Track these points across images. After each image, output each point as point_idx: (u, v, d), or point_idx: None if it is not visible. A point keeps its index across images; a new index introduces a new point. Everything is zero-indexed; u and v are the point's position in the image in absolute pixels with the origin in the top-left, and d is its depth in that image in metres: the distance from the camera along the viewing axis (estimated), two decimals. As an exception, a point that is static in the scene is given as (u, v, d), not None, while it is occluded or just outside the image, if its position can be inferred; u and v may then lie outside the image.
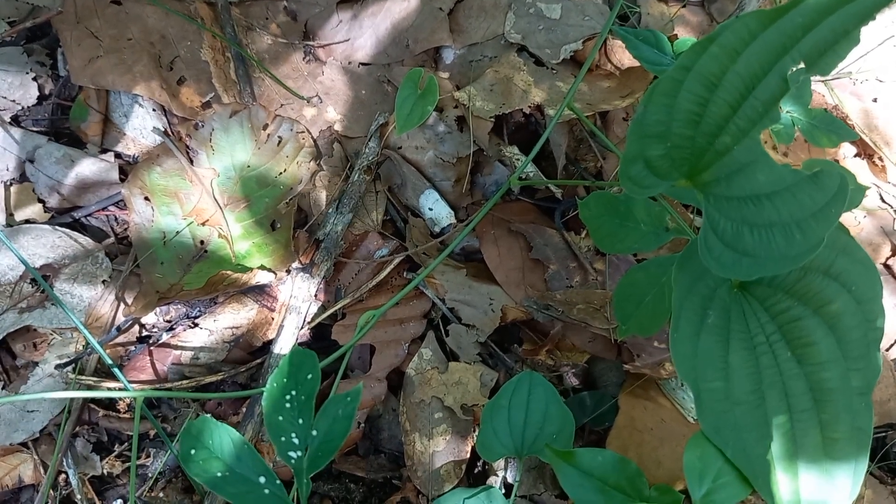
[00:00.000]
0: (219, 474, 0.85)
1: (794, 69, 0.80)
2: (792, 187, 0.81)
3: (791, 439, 0.91)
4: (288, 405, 0.87)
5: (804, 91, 1.19)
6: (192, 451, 0.86)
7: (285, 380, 0.88)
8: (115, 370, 1.16)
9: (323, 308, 1.30)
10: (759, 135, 0.84)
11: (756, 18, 0.79)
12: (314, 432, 0.86)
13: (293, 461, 0.85)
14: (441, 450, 1.20)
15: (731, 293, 0.93)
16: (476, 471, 1.24)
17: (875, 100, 1.52)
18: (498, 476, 1.19)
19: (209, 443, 0.86)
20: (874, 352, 0.90)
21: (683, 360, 0.90)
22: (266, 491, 0.84)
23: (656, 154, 0.85)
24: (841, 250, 0.91)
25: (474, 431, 1.22)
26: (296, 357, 0.89)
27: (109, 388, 1.22)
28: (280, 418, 0.87)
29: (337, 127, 1.40)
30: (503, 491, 1.16)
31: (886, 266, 1.42)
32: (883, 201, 1.46)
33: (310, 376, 0.88)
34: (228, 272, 1.22)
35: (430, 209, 1.35)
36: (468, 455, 1.21)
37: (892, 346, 1.37)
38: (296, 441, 0.86)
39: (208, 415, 1.24)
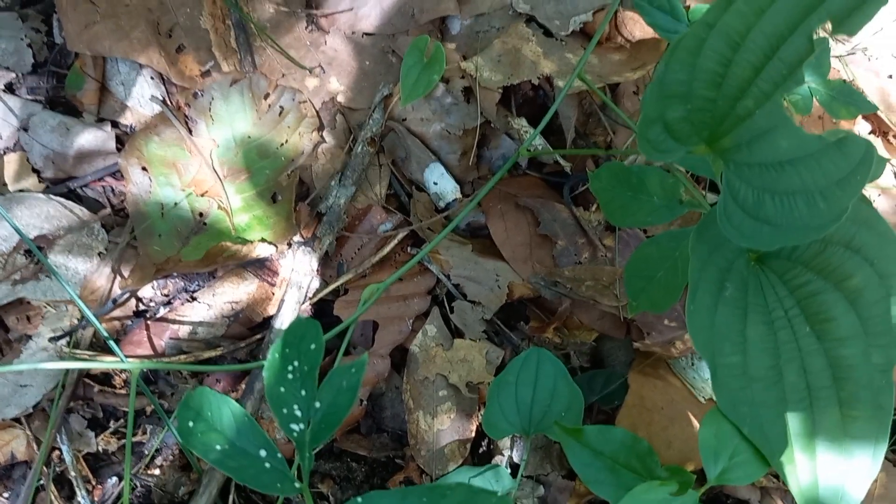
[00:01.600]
0: (218, 447, 0.82)
1: (820, 31, 0.77)
2: (816, 154, 0.78)
3: (809, 417, 0.88)
4: (290, 376, 0.84)
5: (823, 60, 1.16)
6: (191, 424, 0.83)
7: (287, 350, 0.85)
8: (111, 342, 1.13)
9: (325, 283, 1.27)
10: (781, 98, 0.81)
11: (784, -27, 0.75)
12: (317, 404, 0.83)
13: (295, 434, 0.82)
14: (445, 428, 1.17)
15: (749, 266, 0.90)
16: (481, 450, 1.21)
17: (890, 76, 1.48)
18: (504, 455, 1.16)
19: (208, 415, 0.83)
20: (896, 327, 0.87)
21: (700, 332, 0.86)
22: (267, 465, 0.81)
23: (676, 116, 0.82)
24: (863, 223, 0.88)
25: (479, 410, 1.19)
26: (298, 327, 0.85)
27: (105, 362, 1.18)
28: (282, 390, 0.83)
29: (340, 98, 1.36)
30: (509, 471, 1.13)
31: (902, 246, 1.38)
32: (898, 180, 1.43)
33: (313, 346, 0.84)
34: (228, 244, 1.19)
35: (435, 183, 1.32)
36: (473, 434, 1.18)
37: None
38: (298, 413, 0.82)
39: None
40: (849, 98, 1.13)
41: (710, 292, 0.88)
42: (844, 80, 1.23)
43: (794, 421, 0.88)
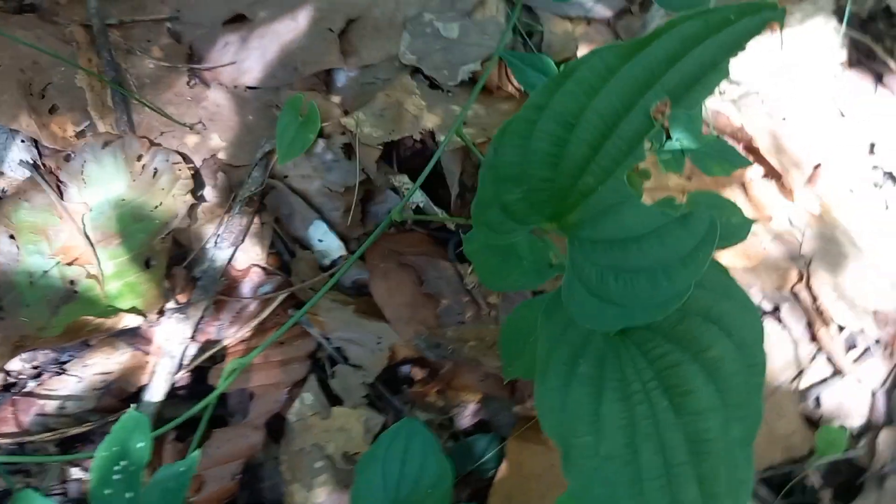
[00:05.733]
0: (40, 554, 0.78)
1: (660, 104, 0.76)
2: (659, 230, 0.77)
3: (667, 494, 0.86)
4: (117, 476, 0.80)
5: (694, 118, 1.14)
6: (15, 529, 0.79)
7: (115, 448, 0.81)
8: (-36, 427, 1.08)
9: (202, 349, 1.23)
10: (624, 174, 0.80)
11: (614, 52, 0.73)
12: (144, 506, 0.79)
13: (119, 540, 0.78)
14: (322, 501, 1.13)
15: (607, 337, 0.88)
16: (362, 521, 1.17)
17: (784, 118, 1.48)
18: (381, 528, 1.12)
19: (31, 520, 0.79)
20: (756, 399, 0.85)
21: (549, 414, 0.83)
22: (90, 573, 0.77)
23: (513, 198, 0.80)
24: (721, 294, 0.86)
25: (358, 480, 1.16)
26: (127, 423, 0.82)
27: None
28: (107, 492, 0.79)
29: (221, 155, 1.32)
30: (385, 544, 1.09)
31: (793, 292, 1.38)
32: (791, 224, 1.42)
33: (141, 444, 0.80)
34: (90, 318, 1.14)
35: (320, 241, 1.29)
36: (352, 506, 1.14)
37: (797, 376, 1.33)
38: (123, 518, 0.79)
39: (75, 468, 1.17)
40: (721, 154, 1.12)
41: (561, 372, 0.85)
42: (718, 136, 1.23)
43: (651, 499, 0.86)
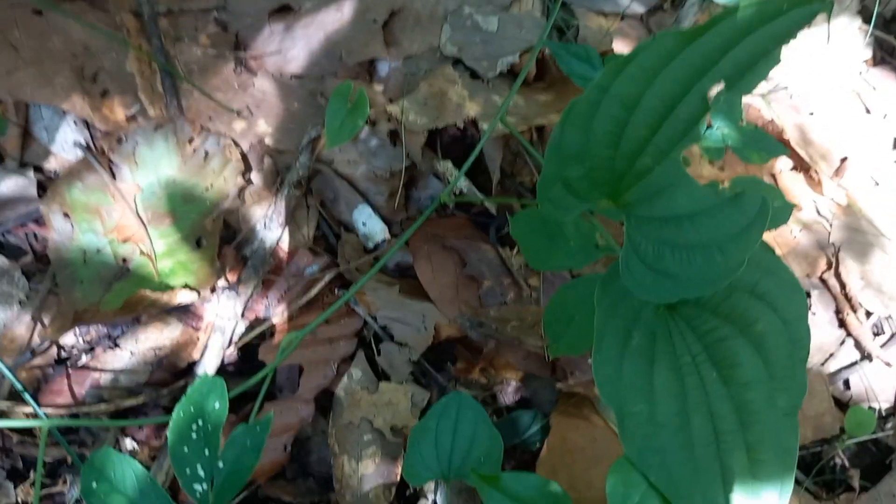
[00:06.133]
0: (121, 509, 0.81)
1: (716, 89, 0.79)
2: (712, 209, 0.80)
3: (717, 460, 0.90)
4: (194, 436, 0.84)
5: (734, 107, 1.18)
6: (94, 485, 0.82)
7: (191, 409, 0.85)
8: (26, 396, 1.11)
9: (251, 327, 1.27)
10: (679, 155, 0.83)
11: (674, 39, 0.77)
12: (221, 464, 0.83)
13: (198, 494, 0.82)
14: (370, 472, 1.17)
15: (657, 313, 0.92)
16: (408, 493, 1.21)
17: (812, 113, 1.52)
18: (428, 499, 1.16)
19: (111, 476, 0.83)
20: (800, 372, 0.89)
21: (607, 383, 0.88)
22: (170, 526, 0.81)
23: (575, 175, 0.83)
24: (766, 270, 0.90)
25: (404, 453, 1.19)
26: (203, 385, 0.85)
27: (25, 414, 1.17)
28: (185, 449, 0.83)
29: (268, 140, 1.36)
30: (433, 515, 1.13)
31: (822, 280, 1.41)
32: (819, 214, 1.46)
33: (217, 405, 0.84)
34: (147, 293, 1.18)
35: (364, 224, 1.32)
36: (398, 478, 1.18)
37: (827, 359, 1.37)
38: (201, 473, 0.82)
39: (128, 439, 1.20)
40: (759, 143, 1.16)
41: (615, 343, 0.89)
42: (756, 125, 1.26)
43: (702, 465, 0.89)
